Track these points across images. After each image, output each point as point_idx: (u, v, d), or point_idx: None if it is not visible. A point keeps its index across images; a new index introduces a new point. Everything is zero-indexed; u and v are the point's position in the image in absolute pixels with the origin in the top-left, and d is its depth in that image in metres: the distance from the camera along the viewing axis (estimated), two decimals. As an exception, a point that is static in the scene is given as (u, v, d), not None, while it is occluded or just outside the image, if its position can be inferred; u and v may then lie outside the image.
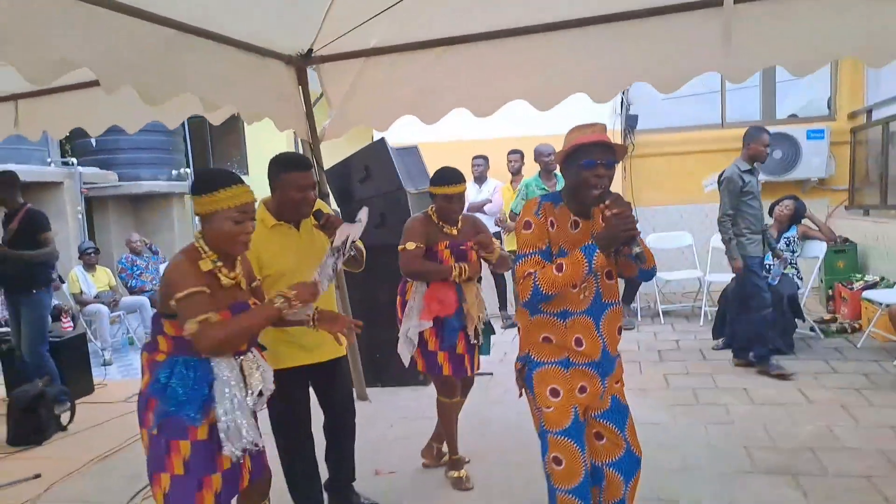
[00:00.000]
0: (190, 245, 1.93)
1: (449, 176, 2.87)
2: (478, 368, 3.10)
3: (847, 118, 7.05)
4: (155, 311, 1.96)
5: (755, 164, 4.38)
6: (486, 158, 6.33)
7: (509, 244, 6.18)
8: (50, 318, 4.83)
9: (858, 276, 5.78)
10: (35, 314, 4.51)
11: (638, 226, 1.97)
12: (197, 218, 1.98)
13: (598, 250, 1.89)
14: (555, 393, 2.03)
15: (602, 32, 3.21)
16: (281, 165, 2.39)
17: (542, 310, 2.04)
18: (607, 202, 1.92)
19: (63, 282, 5.13)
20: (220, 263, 1.89)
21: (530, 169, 6.22)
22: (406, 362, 2.96)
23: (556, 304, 2.01)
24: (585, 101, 3.36)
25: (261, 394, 1.92)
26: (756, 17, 2.94)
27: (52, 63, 2.16)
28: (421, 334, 2.91)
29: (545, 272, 1.92)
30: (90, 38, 2.28)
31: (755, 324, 4.43)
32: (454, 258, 2.93)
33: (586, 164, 1.93)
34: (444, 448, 3.26)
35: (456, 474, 3.07)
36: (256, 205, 2.00)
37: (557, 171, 5.75)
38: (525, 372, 2.11)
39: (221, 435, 1.82)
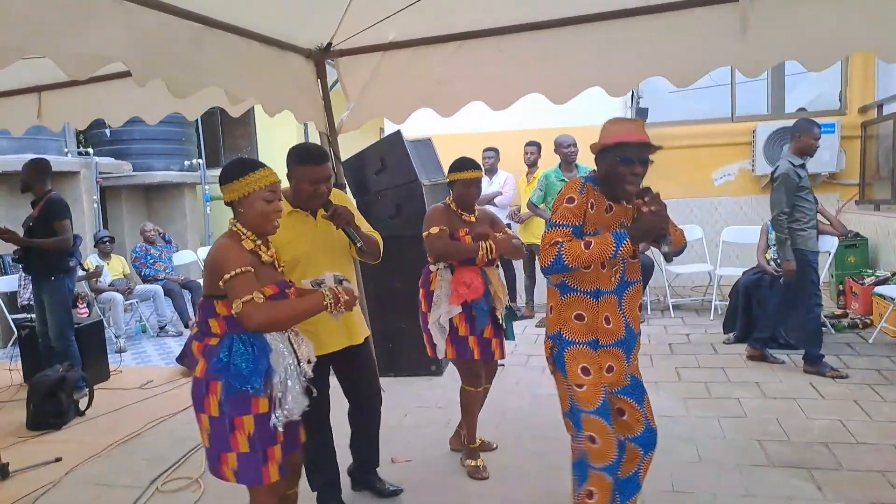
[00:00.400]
0: (229, 230, 2.04)
1: (467, 163, 3.00)
2: (501, 355, 3.13)
3: (858, 112, 7.04)
4: (201, 297, 2.03)
5: (805, 157, 4.24)
6: (496, 150, 6.36)
7: (522, 236, 6.22)
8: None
9: (869, 271, 5.79)
10: (55, 300, 4.60)
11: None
12: (229, 207, 2.06)
13: (627, 239, 1.96)
14: (586, 371, 2.08)
15: (618, 27, 3.22)
16: (296, 157, 2.45)
17: (576, 287, 2.09)
18: (646, 198, 1.99)
19: (85, 270, 5.21)
20: (259, 242, 2.02)
21: (546, 161, 6.25)
22: (441, 351, 3.02)
23: (589, 282, 2.08)
24: (598, 95, 3.38)
25: (309, 362, 2.05)
26: (772, 12, 2.95)
27: (89, 58, 2.22)
28: (450, 321, 2.96)
29: (572, 245, 1.98)
30: (124, 32, 2.33)
31: (810, 322, 4.31)
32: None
33: (625, 160, 1.99)
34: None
35: (472, 463, 3.12)
36: None
37: (578, 162, 5.77)
38: (556, 351, 2.14)
39: (276, 402, 1.93)
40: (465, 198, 2.99)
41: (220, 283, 1.89)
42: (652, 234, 1.99)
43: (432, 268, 3.05)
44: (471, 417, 3.14)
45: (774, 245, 5.25)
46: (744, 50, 3.03)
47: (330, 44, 3.65)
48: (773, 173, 4.36)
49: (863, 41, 2.97)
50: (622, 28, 3.22)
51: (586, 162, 6.70)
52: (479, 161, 6.23)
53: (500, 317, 3.07)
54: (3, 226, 4.45)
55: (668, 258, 2.04)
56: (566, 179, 5.52)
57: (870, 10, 2.82)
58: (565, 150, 5.63)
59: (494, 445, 3.37)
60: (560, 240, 2.00)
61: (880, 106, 6.65)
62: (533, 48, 3.39)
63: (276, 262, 2.10)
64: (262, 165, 2.02)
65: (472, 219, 3.05)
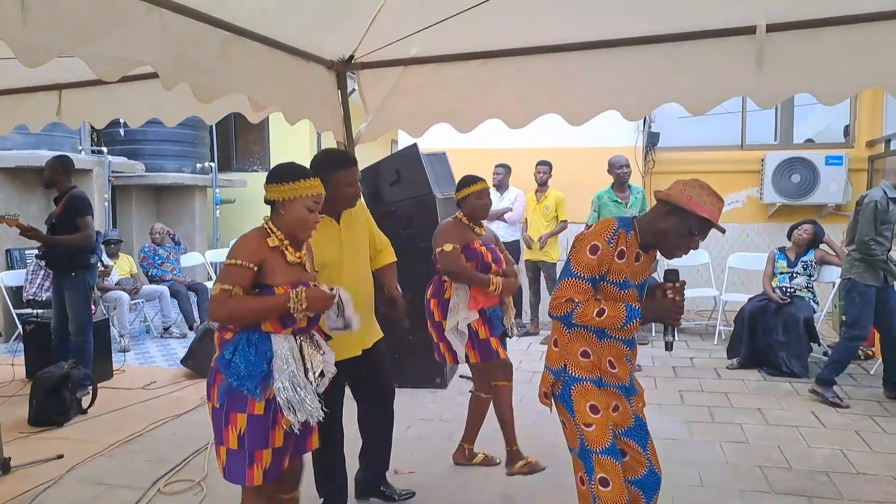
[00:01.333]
0: (261, 226, 2.10)
1: (473, 178, 3.17)
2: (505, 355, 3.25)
3: (865, 146, 7.10)
4: None
5: None
6: (507, 167, 6.42)
7: (530, 253, 6.25)
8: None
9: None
10: (76, 295, 4.65)
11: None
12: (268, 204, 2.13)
13: (639, 318, 1.95)
14: (595, 410, 2.01)
15: (637, 53, 3.27)
16: (330, 162, 2.56)
17: (581, 325, 2.02)
18: (676, 284, 2.02)
19: (106, 266, 5.25)
20: (286, 241, 2.06)
21: (555, 180, 6.30)
22: (462, 356, 3.10)
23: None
24: (611, 117, 3.42)
25: (322, 374, 2.07)
26: (788, 45, 2.99)
27: (120, 60, 2.27)
28: (469, 326, 3.03)
29: (586, 309, 1.94)
30: (155, 36, 2.37)
31: (846, 350, 4.31)
32: (491, 253, 3.14)
33: (695, 233, 1.96)
34: (475, 448, 3.40)
35: (523, 463, 3.16)
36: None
37: (631, 183, 5.76)
38: (560, 387, 2.07)
39: (283, 407, 1.95)
40: (480, 209, 3.12)
41: (227, 259, 1.97)
42: (666, 320, 2.04)
43: (446, 279, 3.10)
44: (480, 422, 3.23)
45: (780, 273, 5.29)
46: (758, 81, 3.07)
47: (352, 56, 3.70)
48: (862, 197, 4.25)
49: (877, 78, 3.01)
50: (640, 54, 3.26)
51: (592, 184, 6.78)
52: (490, 176, 6.35)
53: (508, 327, 3.22)
54: (27, 224, 4.49)
55: (669, 347, 2.14)
56: (619, 200, 5.55)
57: (883, 47, 2.87)
58: (618, 171, 5.63)
59: (497, 460, 3.39)
60: (575, 298, 1.95)
61: (888, 141, 6.71)
62: (553, 70, 3.43)
63: (305, 265, 2.14)
64: (312, 175, 2.09)
65: (482, 231, 3.15)
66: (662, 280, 2.10)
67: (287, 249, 2.06)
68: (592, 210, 5.81)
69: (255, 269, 1.99)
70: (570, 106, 3.47)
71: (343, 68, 3.77)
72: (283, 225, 2.07)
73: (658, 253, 2.12)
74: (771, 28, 2.98)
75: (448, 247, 3.00)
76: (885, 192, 4.13)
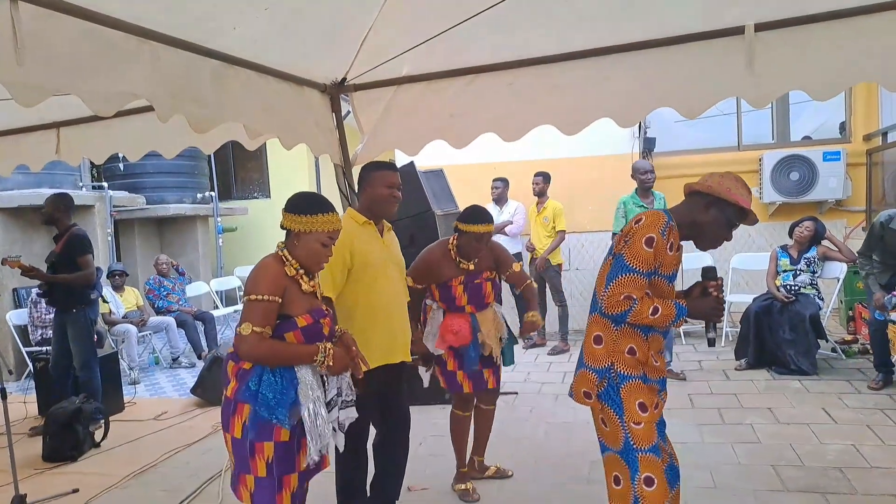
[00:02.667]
0: (275, 253, 2.10)
1: (481, 215, 3.00)
2: (495, 383, 3.19)
3: (862, 140, 7.12)
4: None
5: None
6: (505, 181, 6.44)
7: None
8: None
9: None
10: (78, 330, 4.68)
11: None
12: (284, 231, 2.14)
13: (685, 315, 1.97)
14: (643, 408, 1.98)
15: (627, 60, 3.30)
16: (373, 166, 2.71)
17: (631, 321, 2.00)
18: (718, 282, 2.05)
19: (106, 301, 5.29)
20: (301, 271, 2.07)
21: (554, 191, 6.32)
22: (425, 382, 3.11)
23: None
24: (606, 126, 3.45)
25: (338, 394, 2.09)
26: (777, 44, 3.02)
27: (115, 95, 2.31)
28: (440, 356, 3.03)
29: (642, 307, 1.92)
30: (149, 70, 2.42)
31: None
32: (467, 294, 3.04)
33: (736, 224, 2.01)
34: (485, 461, 3.38)
35: (462, 487, 3.16)
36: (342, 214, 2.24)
37: (654, 189, 5.70)
38: (606, 385, 2.01)
39: (308, 436, 1.96)
40: (472, 250, 3.01)
41: (244, 299, 1.96)
42: (710, 318, 2.06)
43: (428, 302, 3.09)
44: (460, 441, 3.19)
45: (784, 271, 5.28)
46: (750, 81, 3.09)
47: (345, 78, 3.75)
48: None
49: (867, 71, 3.03)
50: (629, 61, 3.29)
51: (592, 194, 6.79)
52: (489, 190, 6.39)
53: (494, 357, 3.11)
54: (28, 264, 4.54)
55: (712, 343, 2.17)
56: (644, 205, 5.47)
57: (873, 41, 2.89)
58: (641, 177, 5.56)
59: (510, 473, 3.39)
60: (634, 295, 1.92)
61: (885, 133, 6.72)
62: (542, 81, 3.47)
63: (317, 293, 2.15)
64: (332, 209, 2.08)
65: (471, 266, 3.06)
66: (701, 277, 2.12)
67: (302, 279, 2.06)
68: (619, 217, 5.69)
69: (280, 300, 1.98)
70: (562, 116, 3.50)
71: (336, 91, 3.82)
72: (296, 255, 2.07)
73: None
74: (759, 28, 3.01)
75: (409, 281, 2.97)
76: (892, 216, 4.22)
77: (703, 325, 2.17)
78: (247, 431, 1.95)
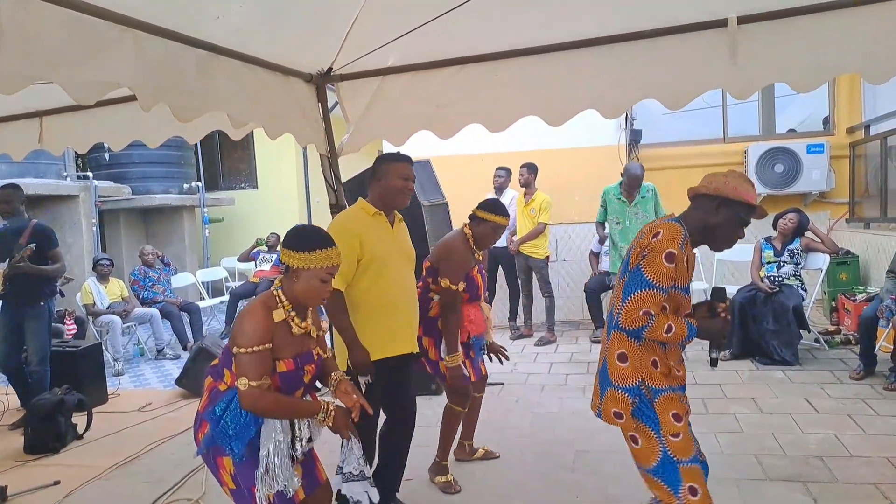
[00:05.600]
0: (269, 293, 2.04)
1: (502, 208, 3.11)
2: (485, 370, 3.35)
3: (846, 133, 7.19)
4: (226, 344, 2.04)
5: None
6: (507, 170, 6.43)
7: (523, 248, 6.24)
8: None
9: (861, 287, 5.87)
10: (41, 324, 4.61)
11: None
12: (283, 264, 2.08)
13: (695, 336, 1.96)
14: (678, 418, 1.97)
15: (611, 51, 3.31)
16: (388, 157, 2.71)
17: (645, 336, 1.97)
18: (726, 305, 2.06)
19: (63, 295, 5.20)
20: (293, 313, 2.01)
21: (541, 182, 6.33)
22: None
23: None
24: (592, 117, 3.46)
25: (310, 440, 2.05)
26: (760, 36, 3.03)
27: (96, 84, 2.28)
28: (421, 344, 3.03)
29: (658, 325, 1.90)
30: (132, 59, 2.39)
31: None
32: (483, 285, 3.20)
33: (746, 221, 1.99)
34: (475, 444, 3.46)
35: (443, 479, 3.19)
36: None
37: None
38: (639, 403, 1.97)
39: (257, 475, 1.92)
40: (488, 239, 3.08)
41: (234, 351, 1.91)
42: (717, 339, 2.08)
43: (435, 297, 3.09)
44: (449, 436, 3.22)
45: (768, 263, 5.34)
46: (733, 73, 3.11)
47: (331, 68, 3.73)
48: None
49: (848, 63, 3.06)
50: (614, 52, 3.30)
51: (585, 187, 6.81)
52: (473, 180, 6.39)
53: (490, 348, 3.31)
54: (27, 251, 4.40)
55: (714, 364, 2.16)
56: (624, 200, 5.61)
57: (855, 34, 2.91)
58: (628, 181, 5.65)
59: (497, 454, 3.48)
60: (652, 312, 1.89)
61: (867, 126, 6.79)
62: (528, 72, 3.46)
63: (311, 332, 2.09)
64: (332, 244, 2.02)
65: (480, 256, 3.16)
66: (710, 298, 2.13)
67: (293, 321, 2.01)
68: (600, 206, 5.88)
69: (270, 346, 1.93)
70: (548, 107, 3.50)
71: (322, 81, 3.80)
72: (295, 291, 2.01)
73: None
74: (742, 20, 3.02)
75: (462, 286, 2.99)
76: None
77: (707, 345, 2.15)
78: (205, 448, 1.97)
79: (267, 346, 1.92)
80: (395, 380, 2.69)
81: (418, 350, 2.83)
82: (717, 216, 1.98)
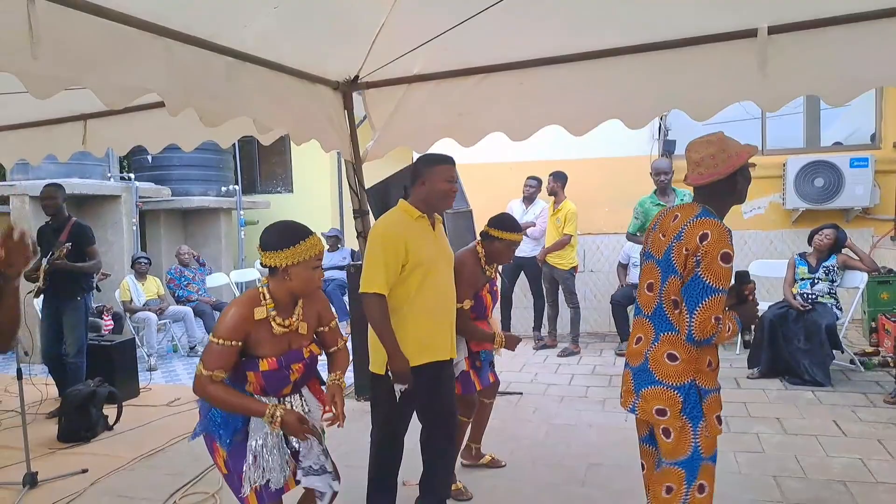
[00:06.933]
0: (253, 290, 2.08)
1: (515, 224, 3.09)
2: (495, 378, 3.33)
3: (893, 147, 6.93)
4: None
5: None
6: (538, 180, 6.41)
7: (549, 259, 6.19)
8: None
9: (902, 308, 5.64)
10: (79, 318, 4.85)
11: None
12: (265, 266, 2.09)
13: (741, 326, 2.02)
14: (719, 420, 2.03)
15: (637, 61, 3.29)
16: (432, 160, 2.67)
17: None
18: (752, 285, 2.11)
19: (100, 290, 5.42)
20: (274, 313, 2.03)
21: (569, 192, 6.29)
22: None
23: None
24: (624, 127, 3.41)
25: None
26: (791, 47, 2.97)
27: (126, 89, 2.39)
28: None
29: (724, 326, 1.92)
30: (161, 65, 2.49)
31: None
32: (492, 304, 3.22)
33: (751, 175, 2.09)
34: (483, 448, 3.46)
35: (454, 486, 3.18)
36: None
37: (676, 187, 5.66)
38: (689, 402, 1.97)
39: (245, 463, 1.98)
40: (502, 256, 3.04)
41: (209, 337, 1.99)
42: (751, 322, 2.12)
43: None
44: (458, 443, 3.21)
45: (801, 279, 5.18)
46: (762, 85, 3.05)
47: (357, 76, 3.80)
48: None
49: (883, 76, 2.98)
50: (640, 62, 3.28)
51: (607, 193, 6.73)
52: (495, 188, 6.39)
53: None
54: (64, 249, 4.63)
55: (748, 346, 2.15)
56: (663, 204, 5.43)
57: (889, 45, 2.83)
58: (656, 178, 5.53)
59: (503, 463, 3.49)
60: (721, 317, 1.90)
61: (915, 141, 6.54)
62: (552, 82, 3.47)
63: (300, 329, 2.11)
64: (310, 233, 2.05)
65: (492, 273, 3.11)
66: (736, 281, 2.11)
67: (274, 321, 2.02)
68: (634, 218, 5.66)
69: (240, 344, 1.98)
70: (571, 116, 3.50)
71: (349, 88, 3.88)
72: (292, 288, 2.03)
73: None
74: (773, 30, 2.97)
75: (468, 304, 2.96)
76: None
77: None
78: (200, 432, 2.06)
79: (235, 343, 1.95)
80: (433, 386, 2.66)
81: (455, 356, 2.80)
82: (734, 186, 2.04)
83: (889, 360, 5.18)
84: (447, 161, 2.65)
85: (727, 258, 1.88)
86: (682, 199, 5.51)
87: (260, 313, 2.00)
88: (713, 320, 1.87)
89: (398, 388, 2.53)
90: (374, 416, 2.72)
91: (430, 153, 2.78)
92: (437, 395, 2.69)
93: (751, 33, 3.01)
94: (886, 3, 2.77)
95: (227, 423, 1.99)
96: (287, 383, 2.08)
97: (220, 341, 1.94)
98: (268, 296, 2.03)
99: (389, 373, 2.54)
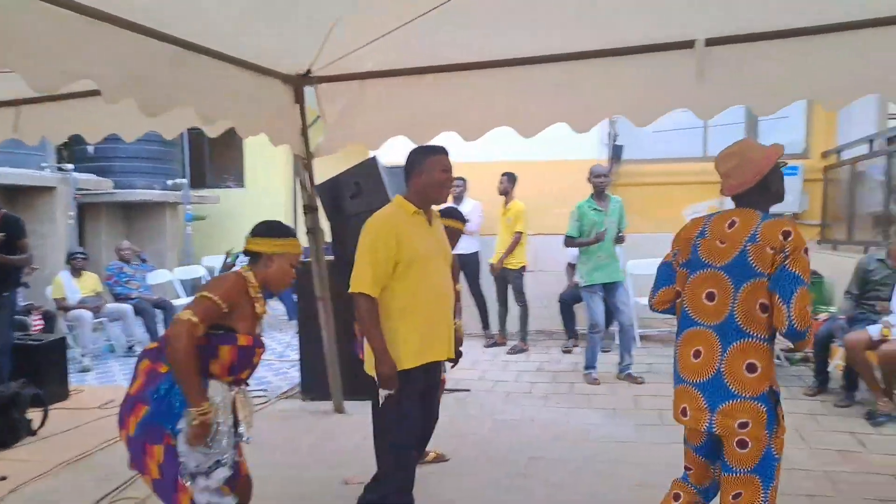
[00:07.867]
0: (241, 270, 2.16)
1: (459, 213, 3.28)
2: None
3: (820, 156, 7.33)
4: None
5: None
6: (464, 179, 6.52)
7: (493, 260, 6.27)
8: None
9: (823, 307, 5.96)
10: (5, 315, 4.60)
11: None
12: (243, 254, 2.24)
13: None
14: (784, 418, 2.02)
15: (583, 67, 3.39)
16: (426, 151, 2.62)
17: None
18: None
19: (28, 286, 5.14)
20: (259, 294, 2.15)
21: (521, 193, 6.39)
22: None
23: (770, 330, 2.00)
24: (571, 131, 3.49)
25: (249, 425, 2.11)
26: (724, 60, 3.11)
27: (55, 73, 2.29)
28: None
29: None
30: (94, 51, 2.42)
31: None
32: None
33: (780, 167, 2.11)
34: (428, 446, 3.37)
35: (432, 454, 3.26)
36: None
37: (615, 195, 5.75)
38: (770, 410, 1.95)
39: (180, 449, 1.95)
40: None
41: (200, 293, 2.00)
42: None
43: None
44: None
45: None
46: (698, 94, 3.19)
47: (309, 70, 3.77)
48: None
49: (806, 89, 3.16)
50: (585, 68, 3.38)
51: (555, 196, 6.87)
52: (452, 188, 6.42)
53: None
54: None
55: None
56: (599, 208, 5.44)
57: (816, 61, 3.00)
58: (595, 180, 5.54)
59: (447, 457, 3.51)
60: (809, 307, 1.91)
61: (840, 152, 6.93)
62: (502, 84, 3.53)
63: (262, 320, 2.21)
64: (296, 236, 2.25)
65: None
66: None
67: (258, 301, 2.13)
68: (573, 220, 5.63)
69: (226, 310, 2.00)
70: (521, 118, 3.56)
71: (300, 82, 3.84)
72: (268, 276, 2.15)
73: None
74: (710, 42, 3.11)
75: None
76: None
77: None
78: (138, 431, 1.97)
79: (224, 305, 2.00)
80: (430, 389, 2.63)
81: (452, 355, 2.73)
82: (769, 189, 2.07)
83: (810, 355, 5.48)
84: (442, 151, 2.60)
85: (807, 252, 1.93)
86: (614, 205, 5.55)
87: (253, 290, 2.11)
88: (809, 311, 1.88)
89: (383, 393, 2.45)
90: (387, 417, 2.55)
91: (423, 145, 2.80)
92: (430, 399, 2.69)
93: (689, 44, 3.14)
94: (815, 21, 2.95)
95: (182, 411, 1.94)
96: (250, 366, 2.12)
97: (217, 299, 1.98)
98: (253, 279, 2.13)
99: (375, 377, 2.46)
